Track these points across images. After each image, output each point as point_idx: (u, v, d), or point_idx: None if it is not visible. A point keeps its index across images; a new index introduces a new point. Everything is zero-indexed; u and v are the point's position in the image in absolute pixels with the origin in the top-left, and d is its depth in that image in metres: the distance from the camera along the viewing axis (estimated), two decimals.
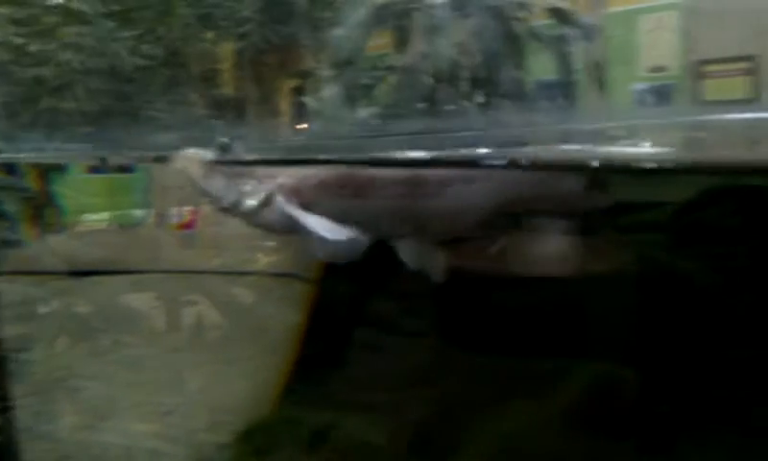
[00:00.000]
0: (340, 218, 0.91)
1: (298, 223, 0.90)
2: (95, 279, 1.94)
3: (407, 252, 0.93)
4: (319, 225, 0.89)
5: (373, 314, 1.40)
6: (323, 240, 0.89)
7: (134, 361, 1.84)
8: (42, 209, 1.87)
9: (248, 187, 0.94)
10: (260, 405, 1.51)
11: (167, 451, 1.68)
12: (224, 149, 1.00)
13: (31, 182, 1.85)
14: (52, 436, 1.73)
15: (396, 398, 1.32)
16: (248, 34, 3.25)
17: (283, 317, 1.58)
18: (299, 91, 3.81)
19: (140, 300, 2.03)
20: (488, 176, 0.91)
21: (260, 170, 0.97)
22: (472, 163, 0.92)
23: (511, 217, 0.92)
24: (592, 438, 1.06)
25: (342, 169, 0.95)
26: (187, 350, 1.94)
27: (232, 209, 0.96)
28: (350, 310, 1.39)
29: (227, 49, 3.74)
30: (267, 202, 0.93)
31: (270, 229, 0.97)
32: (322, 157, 1.09)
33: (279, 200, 0.91)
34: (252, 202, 0.93)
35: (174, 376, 1.85)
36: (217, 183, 0.96)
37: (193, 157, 0.99)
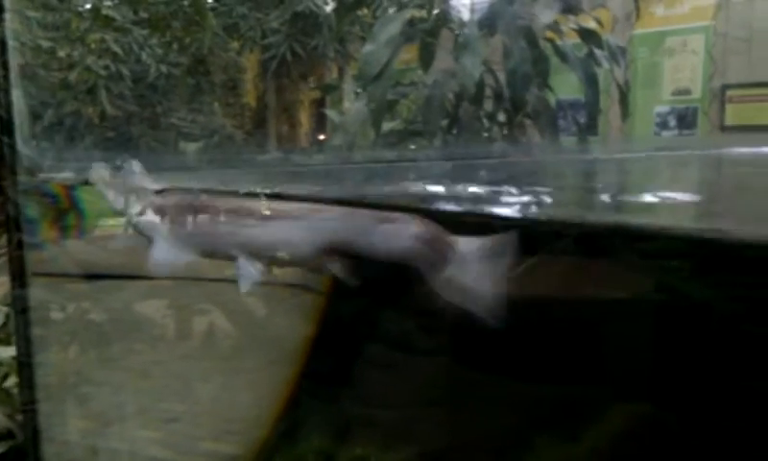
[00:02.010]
0: (186, 233, 1.10)
1: (152, 234, 1.12)
2: (110, 284, 1.95)
3: None
4: (160, 242, 1.11)
5: (385, 330, 1.39)
6: (152, 255, 1.08)
7: (143, 368, 1.85)
8: (64, 213, 1.88)
9: (133, 200, 1.19)
10: (266, 418, 1.51)
11: (170, 459, 1.68)
12: (118, 169, 1.23)
13: (53, 186, 1.87)
14: (60, 439, 1.73)
15: (406, 417, 1.31)
16: (273, 45, 3.28)
17: (293, 328, 1.58)
18: (320, 104, 3.84)
19: (153, 307, 2.04)
20: (318, 216, 1.03)
21: (147, 188, 1.19)
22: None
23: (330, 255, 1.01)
24: None
25: (194, 195, 1.13)
26: (196, 358, 1.94)
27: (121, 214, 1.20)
28: (361, 325, 1.38)
29: (252, 59, 3.78)
30: (141, 213, 1.15)
31: (143, 234, 1.16)
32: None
33: (149, 213, 1.13)
34: (132, 211, 1.16)
35: (181, 384, 1.85)
36: (113, 194, 1.21)
37: (100, 172, 1.25)
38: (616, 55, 1.64)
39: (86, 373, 1.79)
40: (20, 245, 1.35)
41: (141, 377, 1.77)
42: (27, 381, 1.29)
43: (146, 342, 1.86)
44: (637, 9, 2.09)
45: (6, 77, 1.19)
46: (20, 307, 1.25)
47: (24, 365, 1.30)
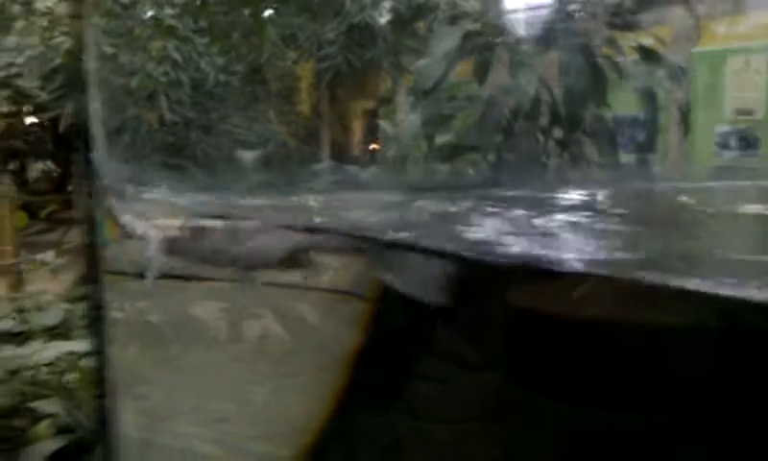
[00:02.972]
0: (187, 252, 1.36)
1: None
2: (168, 284, 2.00)
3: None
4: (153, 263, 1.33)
5: (437, 343, 1.38)
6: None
7: (197, 367, 1.88)
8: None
9: (138, 224, 1.42)
10: (313, 423, 1.52)
11: (219, 457, 1.71)
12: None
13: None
14: (118, 433, 1.78)
15: (456, 433, 1.29)
16: (329, 56, 3.32)
17: (344, 336, 1.59)
18: (373, 115, 3.86)
19: (208, 308, 2.08)
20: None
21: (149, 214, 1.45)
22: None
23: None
24: None
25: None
26: (247, 360, 1.97)
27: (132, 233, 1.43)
28: (412, 337, 1.38)
29: (306, 69, 3.83)
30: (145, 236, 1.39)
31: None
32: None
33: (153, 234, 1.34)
34: (139, 232, 1.41)
35: (232, 386, 1.88)
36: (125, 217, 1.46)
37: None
38: (677, 73, 1.61)
39: (143, 370, 1.84)
40: (93, 244, 1.41)
41: (195, 377, 1.81)
42: (98, 377, 1.34)
43: (200, 342, 1.90)
44: (698, 27, 2.05)
45: (84, 90, 1.25)
46: (94, 304, 1.30)
47: (96, 360, 1.35)
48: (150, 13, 3.44)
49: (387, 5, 3.13)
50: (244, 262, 1.41)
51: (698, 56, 3.06)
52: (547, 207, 1.33)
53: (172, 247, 1.39)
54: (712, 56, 3.17)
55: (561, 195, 1.41)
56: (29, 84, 4.17)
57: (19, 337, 3.15)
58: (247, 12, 3.05)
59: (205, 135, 3.66)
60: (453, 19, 1.98)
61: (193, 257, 1.42)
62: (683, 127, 1.74)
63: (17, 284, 3.89)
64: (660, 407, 0.93)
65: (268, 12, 3.31)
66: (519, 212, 1.30)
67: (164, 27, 3.09)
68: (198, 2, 3.28)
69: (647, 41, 1.75)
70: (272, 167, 3.04)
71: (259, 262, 1.39)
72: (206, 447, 1.72)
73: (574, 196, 1.42)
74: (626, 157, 1.83)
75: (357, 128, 3.76)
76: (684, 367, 0.87)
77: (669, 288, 0.85)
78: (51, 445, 2.13)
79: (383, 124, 2.77)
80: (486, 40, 1.74)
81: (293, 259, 1.34)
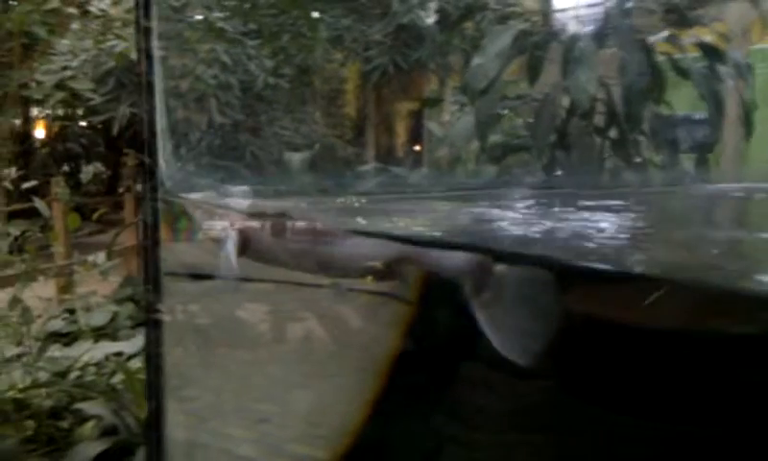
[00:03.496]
0: (269, 252, 1.30)
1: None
2: (213, 285, 2.01)
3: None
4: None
5: (479, 348, 1.35)
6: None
7: (241, 369, 1.89)
8: (177, 216, 1.96)
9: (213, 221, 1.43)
10: (352, 425, 1.51)
11: (259, 458, 1.71)
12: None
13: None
14: (164, 435, 1.80)
15: (500, 441, 1.26)
16: (376, 57, 3.32)
17: (385, 339, 1.57)
18: (419, 116, 3.85)
19: (251, 310, 2.09)
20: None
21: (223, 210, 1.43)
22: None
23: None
24: None
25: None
26: (289, 361, 1.97)
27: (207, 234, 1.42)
28: (454, 340, 1.35)
29: (353, 71, 3.83)
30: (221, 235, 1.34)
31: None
32: None
33: (230, 233, 1.30)
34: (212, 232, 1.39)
35: (273, 387, 1.88)
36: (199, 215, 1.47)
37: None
38: (742, 70, 1.55)
39: (188, 371, 1.85)
40: (155, 246, 1.42)
41: (238, 378, 1.82)
42: (154, 380, 1.35)
43: (244, 344, 1.91)
44: (762, 22, 1.98)
45: (151, 95, 1.27)
46: (149, 306, 1.32)
47: (152, 363, 1.36)
48: (200, 16, 3.49)
49: (434, 5, 3.11)
50: (334, 267, 1.35)
51: (755, 53, 2.96)
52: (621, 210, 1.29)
53: (251, 247, 1.37)
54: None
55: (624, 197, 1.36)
56: (82, 86, 4.26)
57: (67, 337, 3.23)
58: (296, 13, 3.06)
59: (254, 138, 3.70)
60: (503, 19, 1.95)
61: (271, 259, 1.39)
62: (746, 127, 1.68)
63: (68, 286, 3.98)
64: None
65: (315, 14, 3.32)
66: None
67: (214, 29, 3.13)
68: (248, 5, 3.31)
69: (708, 38, 1.69)
70: (318, 169, 3.04)
71: (352, 269, 1.33)
72: (246, 447, 1.73)
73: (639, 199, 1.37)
74: (685, 158, 1.77)
75: (403, 129, 3.75)
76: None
77: None
78: (95, 447, 2.16)
79: (430, 125, 2.74)
80: (539, 38, 1.71)
81: (392, 270, 1.27)
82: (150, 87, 1.26)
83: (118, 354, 2.70)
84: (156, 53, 1.35)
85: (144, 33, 1.37)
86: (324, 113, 4.04)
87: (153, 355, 1.34)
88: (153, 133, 1.29)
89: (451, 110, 2.75)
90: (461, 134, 1.74)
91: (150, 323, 1.38)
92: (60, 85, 4.37)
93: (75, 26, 4.50)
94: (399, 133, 3.94)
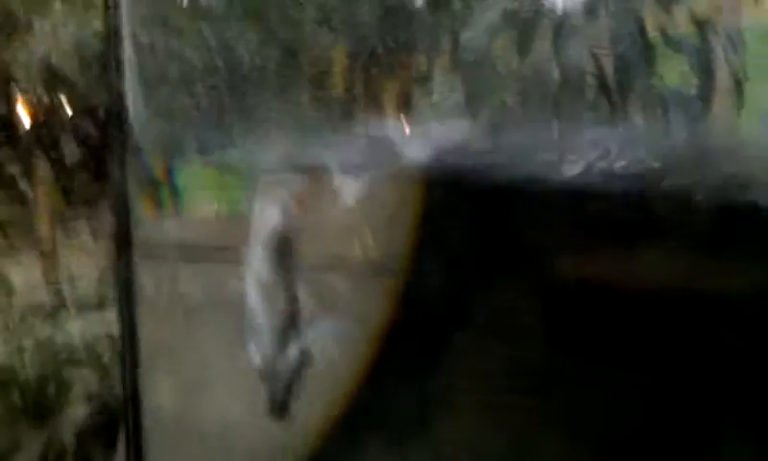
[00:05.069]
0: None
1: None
2: (202, 264, 2.00)
3: None
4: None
5: (472, 314, 1.35)
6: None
7: (232, 341, 1.89)
8: (162, 192, 1.94)
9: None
10: (346, 395, 1.52)
11: (256, 424, 1.73)
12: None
13: (153, 164, 1.93)
14: (150, 404, 1.79)
15: (495, 401, 1.27)
16: (364, 38, 3.28)
17: (378, 310, 1.58)
18: (409, 95, 3.82)
19: (242, 286, 2.07)
20: None
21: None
22: None
23: None
24: None
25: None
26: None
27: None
28: (445, 308, 1.35)
29: (341, 51, 3.80)
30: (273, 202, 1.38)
31: None
32: None
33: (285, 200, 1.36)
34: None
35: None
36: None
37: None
38: (734, 42, 1.54)
39: (175, 346, 1.84)
40: (123, 222, 1.39)
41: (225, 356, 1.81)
42: (125, 351, 1.34)
43: (232, 322, 1.90)
44: None
45: (119, 70, 1.24)
46: (123, 281, 1.29)
47: (123, 335, 1.35)
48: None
49: None
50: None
51: (746, 30, 2.95)
52: None
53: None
54: (759, 30, 3.06)
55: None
56: (67, 67, 4.20)
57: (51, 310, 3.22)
58: None
59: (242, 121, 3.66)
60: None
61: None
62: (738, 100, 1.67)
63: (53, 264, 3.95)
64: None
65: None
66: None
67: (199, 10, 3.09)
68: None
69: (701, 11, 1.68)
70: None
71: None
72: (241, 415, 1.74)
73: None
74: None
75: (390, 109, 3.73)
76: None
77: None
78: (80, 410, 2.16)
79: (422, 102, 2.73)
80: (530, 12, 1.69)
81: None
82: (118, 66, 1.24)
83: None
84: (127, 31, 1.33)
85: (114, 8, 1.34)
86: (311, 95, 4.01)
87: (126, 329, 1.33)
88: (122, 115, 1.27)
89: (441, 90, 2.73)
90: (448, 109, 1.73)
91: (122, 297, 1.37)
92: (43, 67, 4.31)
93: (57, 7, 4.44)
94: (387, 112, 3.91)
